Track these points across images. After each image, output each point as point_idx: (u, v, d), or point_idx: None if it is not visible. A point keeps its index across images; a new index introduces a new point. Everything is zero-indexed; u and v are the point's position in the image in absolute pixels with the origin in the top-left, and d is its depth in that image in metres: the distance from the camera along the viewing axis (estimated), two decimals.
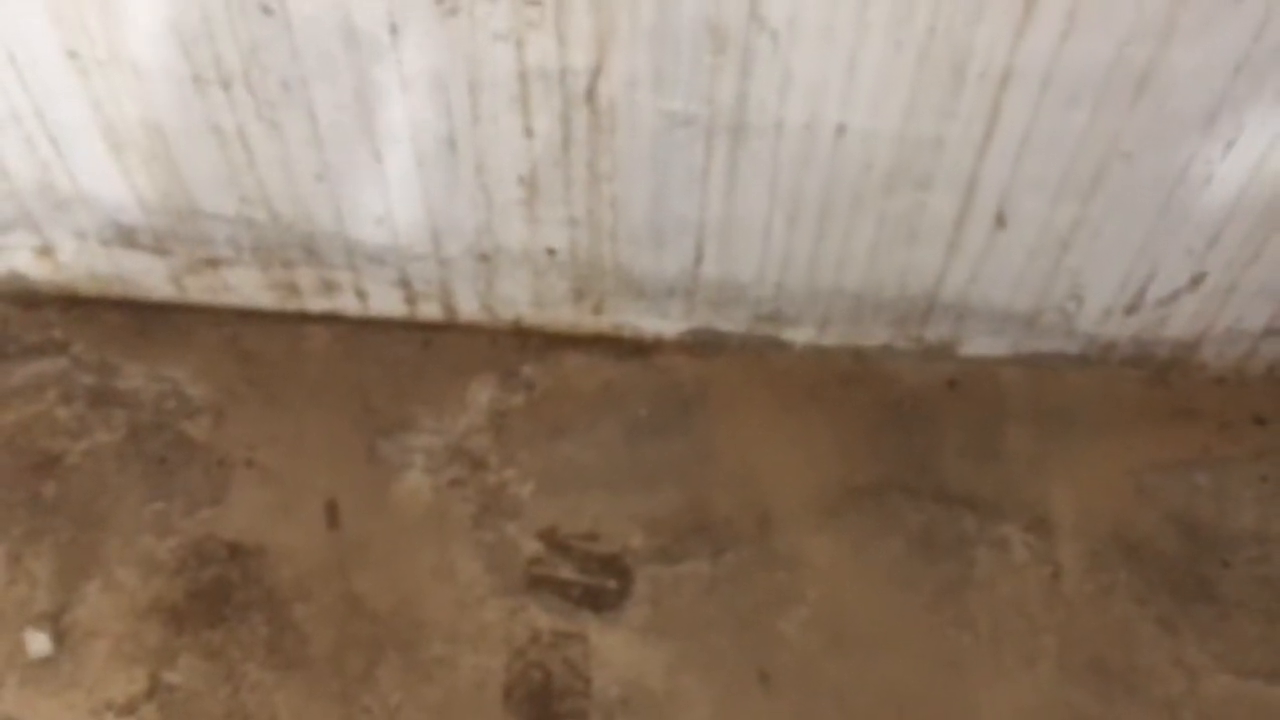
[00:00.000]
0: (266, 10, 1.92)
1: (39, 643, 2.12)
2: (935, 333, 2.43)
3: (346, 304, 2.52)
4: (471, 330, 2.54)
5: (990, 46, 1.85)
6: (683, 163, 2.09)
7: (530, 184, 2.18)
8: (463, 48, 1.94)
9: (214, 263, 2.44)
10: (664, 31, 1.89)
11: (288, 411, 2.42)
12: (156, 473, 2.33)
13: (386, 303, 2.50)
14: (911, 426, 2.42)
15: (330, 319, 2.54)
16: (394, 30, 1.92)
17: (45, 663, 2.11)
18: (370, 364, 2.50)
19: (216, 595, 2.20)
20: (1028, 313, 2.35)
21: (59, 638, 2.13)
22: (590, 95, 2.00)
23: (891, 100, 1.94)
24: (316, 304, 2.52)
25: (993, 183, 2.07)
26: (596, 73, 1.97)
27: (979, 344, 2.45)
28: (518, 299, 2.46)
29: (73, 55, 2.02)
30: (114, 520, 2.27)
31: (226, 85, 2.04)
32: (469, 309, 2.50)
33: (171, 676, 2.11)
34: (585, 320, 2.49)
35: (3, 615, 2.15)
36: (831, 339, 2.47)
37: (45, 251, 2.43)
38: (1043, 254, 2.20)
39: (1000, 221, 2.14)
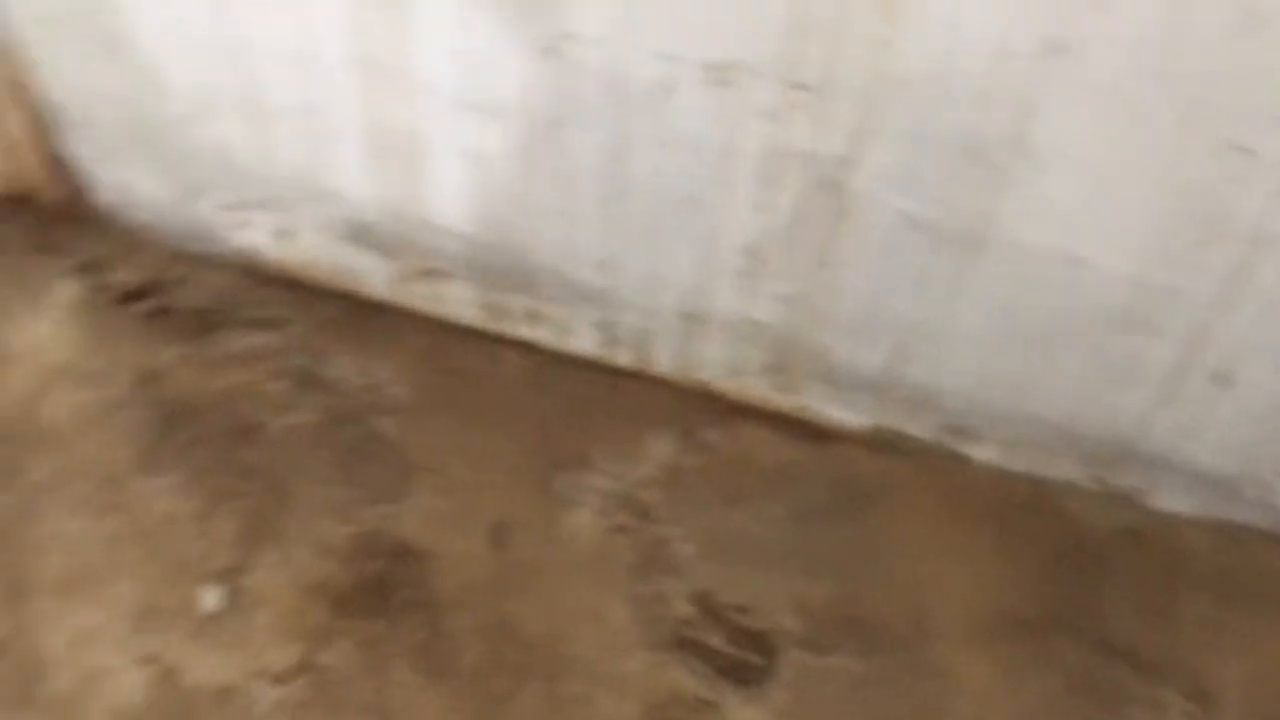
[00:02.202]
0: (548, 51, 2.02)
1: (213, 599, 2.22)
2: (1124, 479, 2.38)
3: (546, 336, 2.60)
4: (659, 383, 2.59)
5: (1252, 209, 1.83)
6: (910, 264, 2.12)
7: (754, 256, 2.24)
8: (725, 117, 2.01)
9: (434, 274, 2.55)
10: (923, 136, 1.93)
11: (475, 428, 2.51)
12: (345, 461, 2.44)
13: (584, 342, 2.58)
14: (1084, 568, 2.37)
15: (527, 346, 2.63)
16: (665, 90, 2.00)
17: (214, 619, 2.21)
18: (558, 397, 2.57)
19: (380, 589, 2.28)
20: (1228, 478, 2.29)
21: (230, 598, 2.24)
22: (834, 183, 2.05)
23: (1139, 243, 1.94)
24: (519, 330, 2.61)
25: (1223, 342, 2.04)
26: (846, 163, 2.01)
27: (1168, 499, 2.39)
28: (712, 362, 2.51)
29: (360, 62, 2.16)
30: (299, 498, 2.37)
31: (492, 113, 2.15)
32: (662, 362, 2.55)
33: (325, 658, 2.19)
34: (773, 396, 2.52)
35: (184, 566, 2.26)
36: (1015, 463, 2.45)
37: (285, 235, 2.58)
38: (1261, 423, 2.15)
39: (1222, 382, 2.11)
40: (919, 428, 2.45)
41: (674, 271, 2.33)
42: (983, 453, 2.45)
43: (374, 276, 2.60)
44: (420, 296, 2.61)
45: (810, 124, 1.97)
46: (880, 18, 1.79)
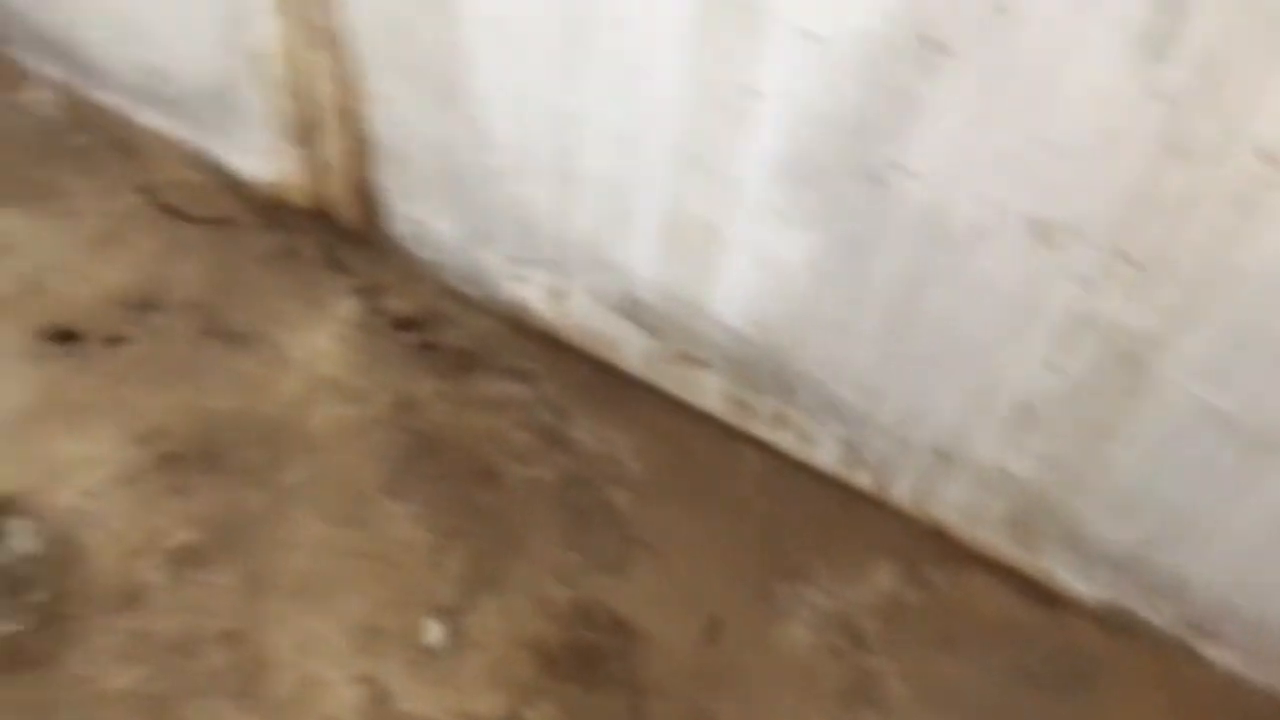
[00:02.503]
0: (872, 176, 2.05)
1: (434, 633, 2.29)
2: None
3: (789, 442, 2.61)
4: (892, 512, 2.57)
5: None
6: (1198, 457, 2.06)
7: (1026, 411, 2.21)
8: (1037, 273, 2.00)
9: (691, 360, 2.60)
10: (1246, 332, 1.88)
11: (703, 518, 2.53)
12: (575, 524, 2.49)
13: (826, 456, 2.58)
14: None
15: (767, 449, 2.65)
16: (981, 235, 2.01)
17: (431, 652, 2.27)
18: (789, 505, 2.58)
19: (589, 658, 2.31)
20: None
21: (450, 635, 2.30)
22: (1135, 359, 2.01)
23: None
24: (762, 431, 2.63)
25: None
26: (1154, 342, 1.98)
27: None
28: (951, 503, 2.48)
29: (682, 154, 2.23)
30: (527, 550, 2.43)
31: (798, 223, 2.19)
32: (900, 492, 2.54)
33: (528, 714, 2.22)
34: (1007, 549, 2.47)
35: (412, 594, 2.34)
36: (1255, 673, 2.34)
37: (558, 295, 2.66)
38: None
39: None
40: (1158, 614, 2.37)
41: (938, 408, 2.32)
42: (1221, 655, 2.35)
43: (632, 350, 2.66)
44: (672, 378, 2.66)
45: (1126, 297, 1.95)
46: (1232, 207, 1.76)
